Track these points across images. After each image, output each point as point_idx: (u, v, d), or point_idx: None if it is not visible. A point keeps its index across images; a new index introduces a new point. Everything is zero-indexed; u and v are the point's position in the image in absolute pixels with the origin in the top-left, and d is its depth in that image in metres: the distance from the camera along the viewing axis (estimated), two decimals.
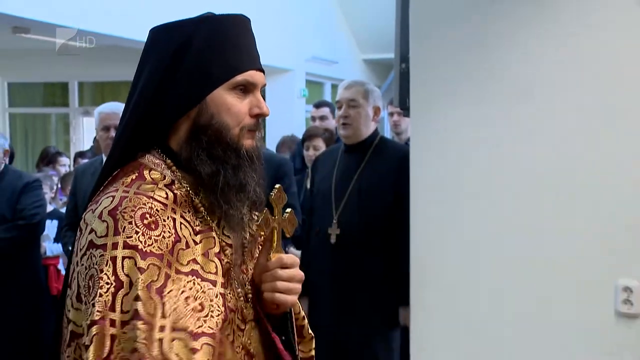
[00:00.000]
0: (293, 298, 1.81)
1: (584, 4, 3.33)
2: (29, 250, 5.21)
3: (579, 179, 3.36)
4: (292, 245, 4.94)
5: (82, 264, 1.60)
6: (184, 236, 1.67)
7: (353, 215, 4.26)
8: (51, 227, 5.94)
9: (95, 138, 6.66)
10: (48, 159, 8.59)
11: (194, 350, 1.55)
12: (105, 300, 1.53)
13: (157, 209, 1.65)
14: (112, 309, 1.53)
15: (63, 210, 6.06)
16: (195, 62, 1.72)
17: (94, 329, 1.52)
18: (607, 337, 3.35)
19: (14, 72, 12.82)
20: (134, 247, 1.57)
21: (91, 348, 1.51)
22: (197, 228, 1.72)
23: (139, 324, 1.52)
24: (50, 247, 5.92)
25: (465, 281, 3.64)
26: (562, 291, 3.44)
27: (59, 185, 7.29)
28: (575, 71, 3.35)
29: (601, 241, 3.35)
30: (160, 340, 1.52)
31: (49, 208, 6.04)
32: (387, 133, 8.08)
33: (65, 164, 8.56)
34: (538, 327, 3.49)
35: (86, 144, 11.77)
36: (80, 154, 9.01)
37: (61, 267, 5.91)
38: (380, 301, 4.19)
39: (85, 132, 12.88)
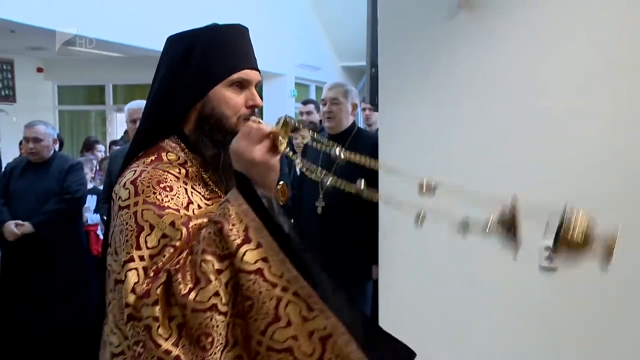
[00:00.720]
0: None
1: (518, 19, 3.41)
2: (74, 219, 5.26)
3: (509, 160, 3.45)
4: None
5: (116, 225, 1.61)
6: (195, 201, 1.67)
7: (335, 191, 4.26)
8: (91, 201, 5.96)
9: (125, 129, 6.65)
10: (88, 146, 8.58)
11: (219, 271, 1.47)
12: (131, 244, 1.53)
13: (171, 179, 1.65)
14: (138, 247, 1.52)
15: (100, 187, 6.10)
16: (199, 63, 1.72)
17: (126, 266, 1.52)
18: (534, 287, 3.45)
19: (62, 77, 12.82)
20: (152, 203, 1.57)
21: (126, 280, 1.50)
22: (207, 196, 1.73)
23: (167, 249, 1.52)
24: (90, 216, 5.94)
25: (422, 243, 3.67)
26: (500, 252, 3.49)
27: (98, 167, 7.30)
28: (503, 76, 3.45)
29: (528, 212, 3.40)
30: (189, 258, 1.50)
31: (89, 185, 6.06)
32: (360, 124, 8.15)
33: (102, 150, 8.56)
34: (481, 279, 3.58)
35: (119, 135, 11.72)
36: (114, 142, 9.00)
37: (99, 232, 5.94)
38: (357, 259, 4.26)
39: (118, 125, 12.94)
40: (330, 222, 4.30)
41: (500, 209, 1.66)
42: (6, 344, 5.12)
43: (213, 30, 1.79)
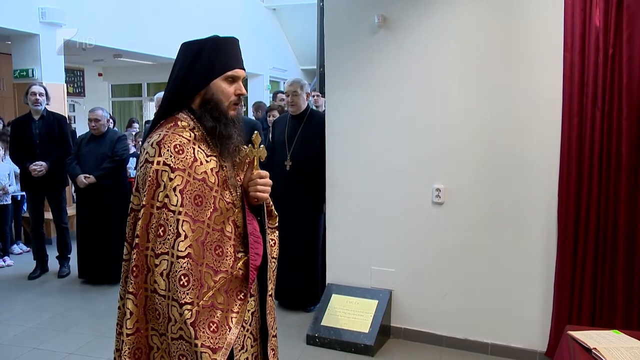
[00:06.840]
0: (266, 195, 1.71)
1: (416, 37, 3.35)
2: (120, 172, 5.12)
3: (409, 125, 3.42)
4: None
5: (141, 171, 1.52)
6: (199, 158, 1.56)
7: (298, 154, 4.09)
8: (132, 161, 5.83)
9: (155, 112, 6.45)
10: (129, 124, 8.44)
11: (192, 230, 1.49)
12: (148, 193, 1.48)
13: (184, 142, 1.54)
14: (152, 198, 1.48)
15: (139, 152, 5.89)
16: (205, 62, 1.61)
17: (143, 210, 1.49)
18: (428, 215, 3.43)
19: (114, 79, 12.48)
20: (168, 165, 1.49)
21: (141, 219, 1.49)
22: (208, 154, 1.61)
23: (165, 211, 1.47)
24: (132, 172, 5.79)
25: (356, 186, 3.63)
26: (407, 191, 3.47)
27: (133, 139, 7.10)
28: (406, 72, 3.39)
29: (426, 164, 3.38)
30: (177, 220, 1.47)
31: (131, 150, 5.93)
32: (312, 106, 7.97)
33: (137, 127, 8.39)
34: (394, 211, 3.53)
35: (151, 116, 11.50)
36: (147, 122, 8.93)
37: None
38: (313, 199, 4.08)
39: (150, 110, 12.62)
40: (294, 175, 4.10)
41: None
42: (81, 254, 5.10)
43: (215, 40, 1.66)
